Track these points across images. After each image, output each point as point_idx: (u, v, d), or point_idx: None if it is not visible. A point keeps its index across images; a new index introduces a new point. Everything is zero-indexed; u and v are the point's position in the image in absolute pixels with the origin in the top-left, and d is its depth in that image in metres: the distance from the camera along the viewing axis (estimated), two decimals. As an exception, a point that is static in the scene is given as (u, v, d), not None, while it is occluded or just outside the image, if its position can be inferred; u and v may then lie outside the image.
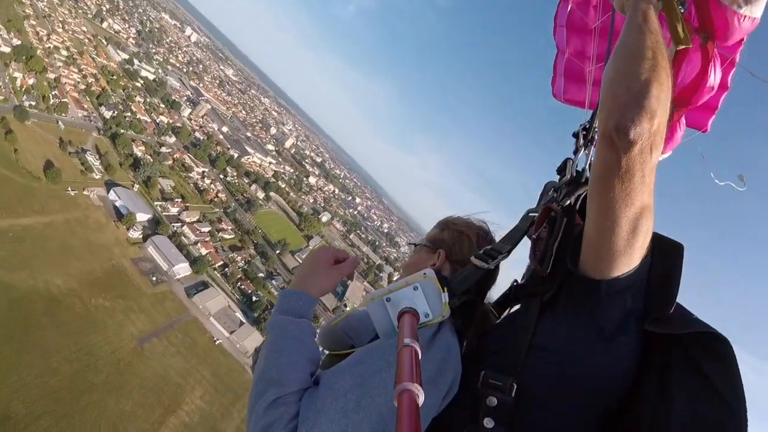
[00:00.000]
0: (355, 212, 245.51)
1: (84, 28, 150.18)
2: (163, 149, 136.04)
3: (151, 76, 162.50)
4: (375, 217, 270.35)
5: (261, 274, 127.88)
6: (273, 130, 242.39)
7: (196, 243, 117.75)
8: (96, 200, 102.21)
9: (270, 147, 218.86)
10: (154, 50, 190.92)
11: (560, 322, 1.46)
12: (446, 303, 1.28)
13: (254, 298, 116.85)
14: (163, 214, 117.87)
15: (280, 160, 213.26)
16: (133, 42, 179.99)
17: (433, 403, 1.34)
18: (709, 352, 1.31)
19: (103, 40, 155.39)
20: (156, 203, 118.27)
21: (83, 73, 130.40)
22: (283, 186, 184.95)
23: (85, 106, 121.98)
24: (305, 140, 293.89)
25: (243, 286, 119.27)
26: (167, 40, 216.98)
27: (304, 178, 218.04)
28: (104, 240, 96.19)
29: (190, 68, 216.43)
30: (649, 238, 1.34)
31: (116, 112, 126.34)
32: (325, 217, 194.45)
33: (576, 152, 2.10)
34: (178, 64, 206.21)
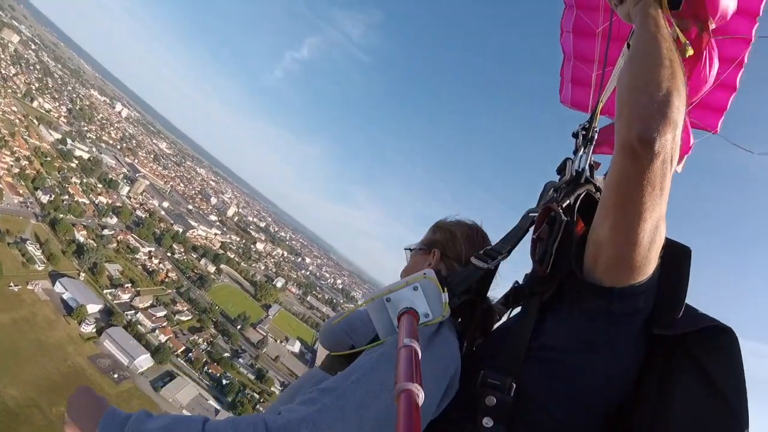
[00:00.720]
0: (308, 273, 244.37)
1: (14, 108, 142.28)
2: (106, 232, 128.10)
3: (86, 156, 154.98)
4: (327, 275, 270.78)
5: (226, 354, 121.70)
6: (213, 200, 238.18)
7: (153, 330, 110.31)
8: (42, 294, 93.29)
9: (213, 218, 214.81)
10: (86, 128, 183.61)
11: (561, 323, 1.46)
12: (446, 303, 1.28)
13: (224, 381, 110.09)
14: (115, 302, 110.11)
15: (225, 229, 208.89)
16: (65, 120, 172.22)
17: (433, 403, 1.35)
18: (710, 347, 1.31)
19: (35, 120, 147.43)
20: (105, 291, 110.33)
21: (16, 155, 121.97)
22: (232, 256, 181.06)
23: (21, 191, 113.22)
24: (246, 207, 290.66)
25: (210, 370, 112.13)
26: (98, 117, 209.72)
27: (252, 246, 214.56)
28: (56, 338, 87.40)
29: (124, 144, 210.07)
30: (662, 245, 1.32)
31: (53, 196, 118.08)
32: (279, 283, 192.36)
33: (575, 152, 2.10)
34: (111, 141, 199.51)
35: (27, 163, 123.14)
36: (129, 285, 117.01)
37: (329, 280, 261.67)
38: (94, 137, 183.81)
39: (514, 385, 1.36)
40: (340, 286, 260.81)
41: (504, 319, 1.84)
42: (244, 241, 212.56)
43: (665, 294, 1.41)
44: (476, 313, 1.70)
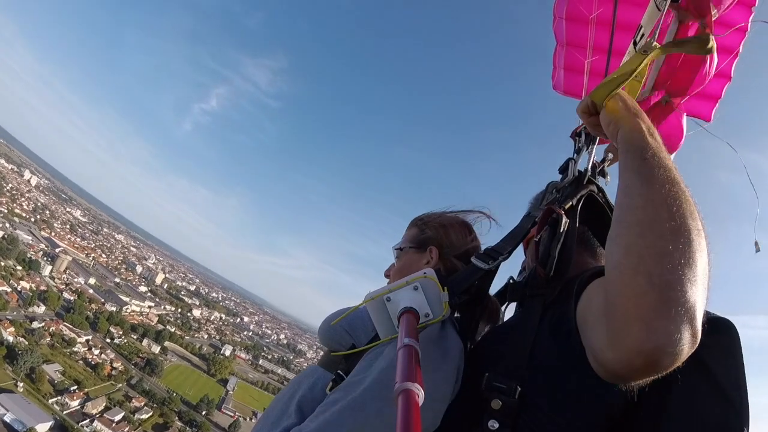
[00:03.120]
0: (250, 333, 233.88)
1: None
2: (35, 324, 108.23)
3: (0, 233, 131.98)
4: (269, 331, 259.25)
5: None
6: (139, 269, 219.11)
7: None
8: (-23, 423, 74.31)
9: (143, 288, 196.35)
10: None
11: (562, 347, 1.41)
12: (446, 302, 1.28)
13: None
14: (65, 413, 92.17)
15: (157, 300, 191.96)
16: None
17: (445, 403, 1.37)
18: (710, 342, 1.23)
19: None
20: (51, 401, 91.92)
21: None
22: (173, 330, 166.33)
23: None
24: (172, 270, 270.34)
25: None
26: (8, 188, 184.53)
27: (188, 314, 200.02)
28: None
29: (38, 216, 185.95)
30: None
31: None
32: (227, 351, 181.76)
33: (578, 152, 2.04)
34: (24, 214, 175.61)
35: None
36: (75, 388, 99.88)
37: (272, 337, 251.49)
38: (6, 211, 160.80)
39: (519, 389, 1.34)
40: (285, 341, 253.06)
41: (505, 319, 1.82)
42: (180, 310, 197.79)
43: None
44: (476, 312, 1.70)
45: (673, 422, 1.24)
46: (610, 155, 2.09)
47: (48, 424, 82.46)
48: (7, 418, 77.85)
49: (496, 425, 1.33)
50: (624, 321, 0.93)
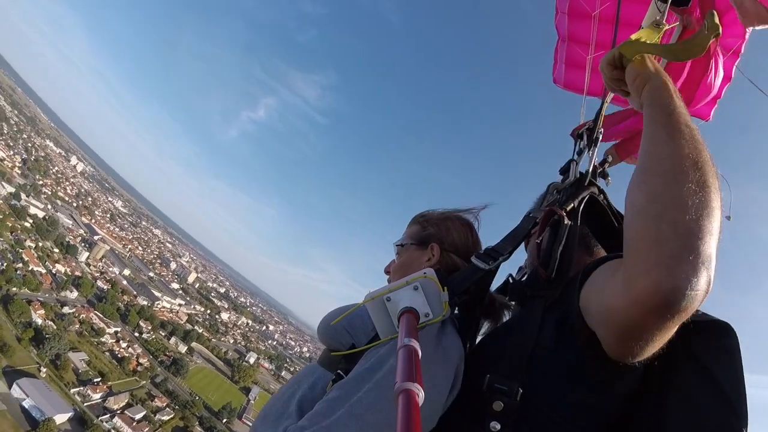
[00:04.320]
0: (274, 342, 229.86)
1: None
2: (66, 309, 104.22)
3: (41, 214, 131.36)
4: (293, 343, 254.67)
5: None
6: (173, 265, 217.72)
7: None
8: (-4, 404, 69.04)
9: (175, 285, 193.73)
10: (41, 182, 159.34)
11: (564, 345, 1.42)
12: (446, 302, 1.28)
13: None
14: (86, 404, 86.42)
15: (188, 299, 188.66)
16: (19, 172, 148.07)
17: (443, 404, 1.37)
18: (710, 344, 1.28)
19: None
20: (73, 391, 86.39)
21: None
22: (201, 331, 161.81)
23: None
24: (204, 271, 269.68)
25: None
26: (53, 171, 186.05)
27: (217, 316, 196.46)
28: None
29: (80, 202, 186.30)
30: None
31: (5, 265, 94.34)
32: (252, 359, 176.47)
33: (579, 153, 2.04)
34: (67, 198, 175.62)
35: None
36: (99, 380, 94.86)
37: (296, 349, 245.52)
38: (50, 192, 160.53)
39: (521, 391, 1.34)
40: (307, 354, 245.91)
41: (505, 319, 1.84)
42: (208, 311, 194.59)
43: None
44: (476, 312, 1.70)
45: (674, 422, 1.25)
46: (611, 157, 2.11)
47: (67, 416, 76.93)
48: (26, 404, 72.58)
49: (498, 427, 1.33)
50: (644, 264, 0.94)
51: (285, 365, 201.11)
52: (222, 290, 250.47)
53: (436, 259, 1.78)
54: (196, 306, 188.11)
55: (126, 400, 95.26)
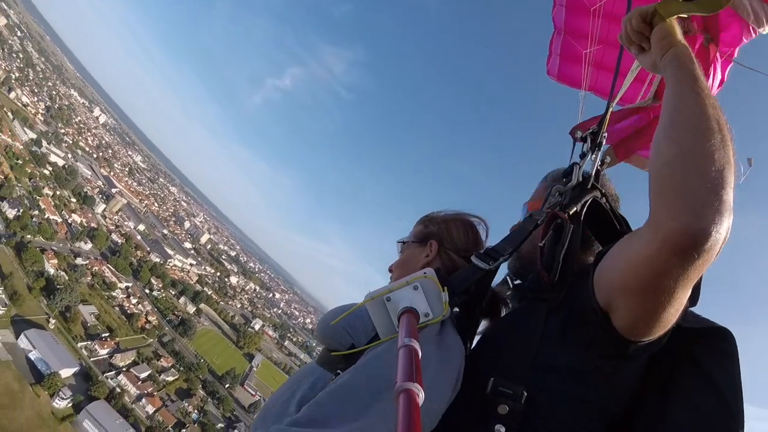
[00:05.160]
0: (279, 311, 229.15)
1: None
2: (79, 261, 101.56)
3: (61, 162, 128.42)
4: (297, 313, 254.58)
5: (220, 425, 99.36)
6: (187, 224, 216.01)
7: (139, 398, 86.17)
8: (2, 352, 66.93)
9: (188, 245, 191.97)
10: (63, 131, 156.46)
11: (568, 338, 1.43)
12: (446, 302, 1.28)
13: None
14: (92, 359, 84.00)
15: (199, 259, 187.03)
16: (42, 119, 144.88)
17: (444, 404, 1.36)
18: (713, 350, 1.30)
19: (9, 114, 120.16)
20: (80, 345, 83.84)
21: None
22: (210, 293, 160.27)
23: None
24: (216, 232, 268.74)
25: None
26: (76, 120, 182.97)
27: (226, 279, 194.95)
28: (23, 422, 61.98)
29: (100, 153, 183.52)
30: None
31: (21, 211, 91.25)
32: (257, 325, 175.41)
33: (582, 156, 2.04)
34: (87, 149, 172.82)
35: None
36: (106, 335, 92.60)
37: (299, 320, 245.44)
38: (71, 142, 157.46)
39: (526, 394, 1.35)
40: (310, 326, 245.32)
41: (506, 320, 1.82)
42: (218, 274, 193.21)
43: None
44: (476, 312, 1.69)
45: (675, 424, 1.26)
46: (608, 158, 2.09)
47: (72, 370, 74.67)
48: (32, 356, 70.05)
49: (503, 430, 1.34)
50: (673, 209, 1.00)
51: (288, 335, 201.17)
52: (233, 254, 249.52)
53: (434, 256, 1.79)
54: (207, 267, 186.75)
55: (132, 358, 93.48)
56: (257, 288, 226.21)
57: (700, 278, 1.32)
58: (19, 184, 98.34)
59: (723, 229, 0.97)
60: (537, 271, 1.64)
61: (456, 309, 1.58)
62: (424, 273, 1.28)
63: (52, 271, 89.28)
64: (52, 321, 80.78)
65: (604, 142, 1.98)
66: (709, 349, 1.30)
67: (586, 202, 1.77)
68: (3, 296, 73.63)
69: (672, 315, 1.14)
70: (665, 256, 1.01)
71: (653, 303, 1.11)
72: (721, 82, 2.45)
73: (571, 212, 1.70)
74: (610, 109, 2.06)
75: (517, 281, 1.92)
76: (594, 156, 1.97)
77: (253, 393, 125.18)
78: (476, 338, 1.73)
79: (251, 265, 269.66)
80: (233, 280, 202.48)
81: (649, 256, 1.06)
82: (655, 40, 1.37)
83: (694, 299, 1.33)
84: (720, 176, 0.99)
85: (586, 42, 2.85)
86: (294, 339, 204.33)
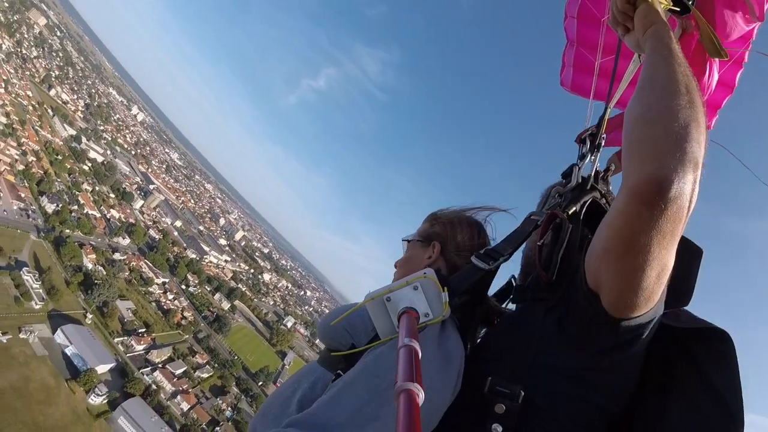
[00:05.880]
0: (310, 309, 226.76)
1: (29, 93, 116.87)
2: (117, 256, 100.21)
3: (100, 158, 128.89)
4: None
5: None
6: (222, 221, 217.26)
7: (175, 395, 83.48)
8: (38, 347, 64.90)
9: (222, 242, 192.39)
10: (102, 127, 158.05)
11: (566, 338, 1.41)
12: (446, 302, 1.26)
13: None
14: (128, 355, 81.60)
15: (234, 256, 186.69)
16: (81, 116, 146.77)
17: (445, 403, 1.35)
18: (711, 352, 1.30)
19: (49, 110, 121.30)
20: (117, 340, 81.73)
21: (23, 148, 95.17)
22: (244, 290, 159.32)
23: (23, 195, 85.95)
24: (250, 229, 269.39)
25: None
26: (115, 118, 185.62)
27: (260, 276, 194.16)
28: (58, 417, 59.62)
29: (138, 150, 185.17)
30: (667, 280, 1.22)
31: (60, 205, 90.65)
32: (289, 323, 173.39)
33: (582, 158, 2.04)
34: (126, 146, 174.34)
35: (34, 159, 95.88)
36: (143, 331, 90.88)
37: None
38: (109, 139, 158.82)
39: (523, 393, 1.34)
40: None
41: (505, 320, 1.81)
42: (252, 270, 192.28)
43: (674, 286, 1.32)
44: (476, 312, 1.68)
45: (674, 425, 1.26)
46: (613, 165, 2.11)
47: (108, 366, 72.49)
48: (69, 351, 68.05)
49: (500, 429, 1.33)
50: (639, 160, 1.04)
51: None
52: (266, 251, 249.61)
53: (436, 257, 1.78)
54: (241, 264, 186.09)
55: (168, 354, 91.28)
56: (289, 285, 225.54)
57: (690, 275, 1.39)
58: (59, 180, 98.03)
59: (687, 180, 0.99)
60: (536, 271, 1.62)
61: (457, 310, 1.57)
62: (424, 273, 1.27)
63: (90, 266, 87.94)
64: (89, 316, 79.15)
65: (603, 143, 1.97)
66: (707, 351, 1.30)
67: (585, 202, 1.76)
68: (41, 291, 72.14)
69: (653, 281, 1.13)
70: (635, 207, 1.04)
71: (632, 263, 1.10)
72: (729, 88, 2.50)
73: (570, 212, 1.70)
74: (609, 109, 2.04)
75: (520, 282, 1.90)
76: (593, 157, 1.96)
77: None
78: (477, 338, 1.72)
79: (283, 262, 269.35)
80: (266, 277, 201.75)
81: (621, 212, 1.08)
82: (637, 19, 1.42)
83: (685, 295, 1.40)
84: (684, 131, 1.01)
85: (597, 52, 2.86)
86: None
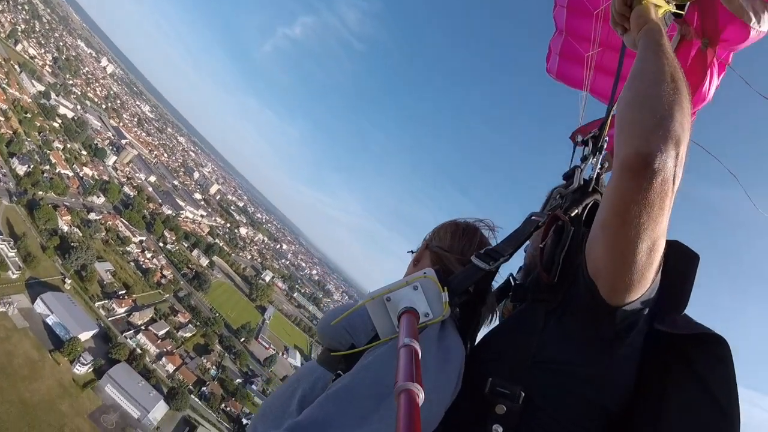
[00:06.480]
0: (287, 262, 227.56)
1: None
2: (92, 216, 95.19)
3: (70, 114, 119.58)
4: (303, 264, 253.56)
5: (238, 380, 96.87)
6: (196, 175, 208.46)
7: (160, 357, 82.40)
8: (18, 319, 61.82)
9: (198, 196, 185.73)
10: (71, 82, 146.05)
11: (566, 335, 1.43)
12: (446, 302, 1.26)
13: (245, 421, 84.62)
14: (110, 319, 79.26)
15: (209, 210, 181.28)
16: (49, 71, 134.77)
17: (445, 405, 1.34)
18: (707, 355, 1.32)
19: (16, 66, 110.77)
20: (98, 305, 79.09)
21: None
22: (221, 245, 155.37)
23: None
24: (224, 182, 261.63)
25: (228, 408, 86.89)
26: (84, 71, 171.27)
27: (236, 230, 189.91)
28: (45, 392, 57.42)
29: (108, 104, 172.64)
30: (661, 255, 1.26)
31: (32, 167, 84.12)
32: (267, 277, 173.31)
33: (584, 160, 2.05)
34: (96, 99, 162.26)
35: (2, 119, 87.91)
36: (123, 293, 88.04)
37: (306, 271, 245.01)
38: (79, 93, 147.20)
39: (523, 394, 1.35)
40: (316, 278, 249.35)
41: (506, 321, 1.80)
42: (228, 225, 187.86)
43: (670, 290, 1.38)
44: (477, 313, 1.68)
45: (669, 427, 1.27)
46: (607, 163, 2.08)
47: (91, 333, 70.20)
48: (50, 321, 65.16)
49: (500, 430, 1.34)
50: (627, 138, 1.14)
51: (296, 286, 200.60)
52: (240, 204, 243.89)
53: (418, 256, 1.83)
54: (217, 218, 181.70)
55: (150, 315, 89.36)
56: (265, 239, 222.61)
57: (686, 280, 1.44)
58: (29, 139, 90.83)
59: (669, 155, 1.08)
60: (537, 272, 1.63)
61: (456, 309, 1.57)
62: (424, 273, 1.27)
63: (65, 228, 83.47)
64: (68, 281, 75.77)
65: (605, 146, 1.99)
66: (703, 355, 1.32)
67: (587, 204, 1.78)
68: (17, 259, 67.87)
69: (645, 255, 1.18)
70: (624, 181, 1.13)
71: (625, 235, 1.16)
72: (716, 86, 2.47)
73: (572, 214, 1.71)
74: (612, 113, 2.01)
75: (519, 282, 1.91)
76: (595, 159, 1.98)
77: (267, 346, 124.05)
78: (477, 338, 1.72)
79: (259, 216, 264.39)
80: (243, 231, 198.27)
81: (613, 186, 1.18)
82: (632, 19, 1.53)
83: (681, 300, 1.43)
84: (668, 113, 1.11)
85: (587, 44, 2.79)
86: (302, 291, 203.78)
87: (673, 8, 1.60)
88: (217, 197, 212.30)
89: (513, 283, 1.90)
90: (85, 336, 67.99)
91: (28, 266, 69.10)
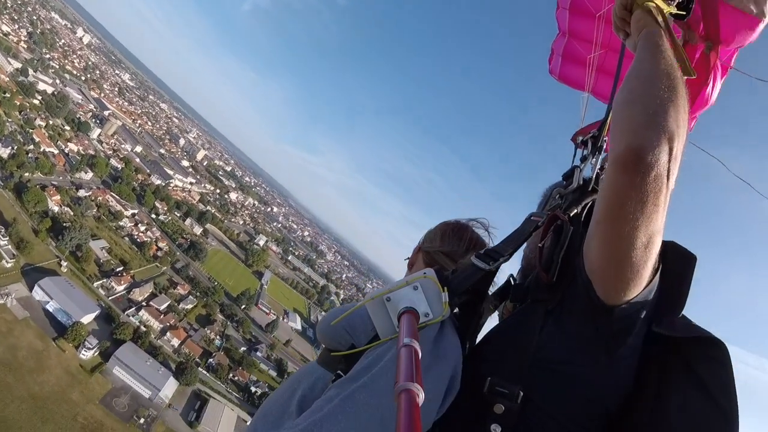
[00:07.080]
0: (279, 225, 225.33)
1: None
2: (82, 192, 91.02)
3: (50, 89, 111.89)
4: (295, 226, 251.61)
5: (243, 348, 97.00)
6: (182, 142, 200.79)
7: (164, 332, 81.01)
8: (18, 309, 59.31)
9: (185, 163, 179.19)
10: (48, 56, 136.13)
11: (565, 334, 1.42)
12: (446, 303, 1.24)
13: (253, 389, 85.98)
14: (110, 298, 77.21)
15: (198, 177, 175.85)
16: (25, 47, 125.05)
17: (438, 404, 1.33)
18: (706, 357, 1.31)
19: None
20: (96, 284, 76.51)
21: None
22: (213, 212, 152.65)
23: None
24: (210, 148, 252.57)
25: (237, 377, 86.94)
26: (60, 44, 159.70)
27: (226, 196, 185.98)
28: (54, 383, 55.89)
29: (88, 75, 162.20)
30: (657, 254, 1.23)
31: (16, 148, 78.82)
32: (261, 241, 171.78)
33: (583, 160, 2.03)
34: (75, 72, 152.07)
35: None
36: (121, 269, 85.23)
37: (298, 233, 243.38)
38: (57, 66, 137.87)
39: (522, 394, 1.33)
40: (309, 239, 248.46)
41: (505, 321, 1.77)
42: (218, 191, 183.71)
43: (667, 292, 1.36)
44: (476, 313, 1.66)
45: (670, 427, 1.26)
46: (606, 164, 2.17)
47: (93, 315, 68.08)
48: (50, 307, 62.72)
49: (499, 429, 1.33)
50: (620, 133, 1.12)
51: (290, 249, 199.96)
52: (228, 168, 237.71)
53: (412, 259, 1.85)
54: (206, 185, 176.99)
55: (150, 290, 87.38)
56: (256, 203, 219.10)
57: (684, 281, 1.41)
58: (10, 119, 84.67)
59: (662, 150, 1.05)
60: (537, 272, 1.61)
61: (456, 309, 1.55)
62: (424, 273, 1.26)
63: (56, 208, 79.56)
64: (64, 264, 72.80)
65: (605, 146, 1.96)
66: (701, 357, 1.32)
67: (586, 204, 1.77)
68: (10, 247, 64.34)
69: (641, 252, 1.15)
70: (617, 176, 1.11)
71: (619, 231, 1.13)
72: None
73: (571, 214, 1.71)
74: (611, 114, 1.99)
75: (519, 282, 1.89)
76: (595, 160, 1.97)
77: (267, 311, 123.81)
78: (477, 338, 1.71)
79: (247, 179, 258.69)
80: (233, 196, 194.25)
81: (607, 182, 1.16)
82: (632, 23, 1.53)
83: (679, 301, 1.41)
84: (662, 110, 1.09)
85: (589, 45, 2.77)
86: (296, 253, 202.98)
87: (673, 10, 1.59)
88: (205, 163, 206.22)
89: (513, 283, 1.87)
90: (87, 319, 65.98)
91: (22, 253, 65.75)
